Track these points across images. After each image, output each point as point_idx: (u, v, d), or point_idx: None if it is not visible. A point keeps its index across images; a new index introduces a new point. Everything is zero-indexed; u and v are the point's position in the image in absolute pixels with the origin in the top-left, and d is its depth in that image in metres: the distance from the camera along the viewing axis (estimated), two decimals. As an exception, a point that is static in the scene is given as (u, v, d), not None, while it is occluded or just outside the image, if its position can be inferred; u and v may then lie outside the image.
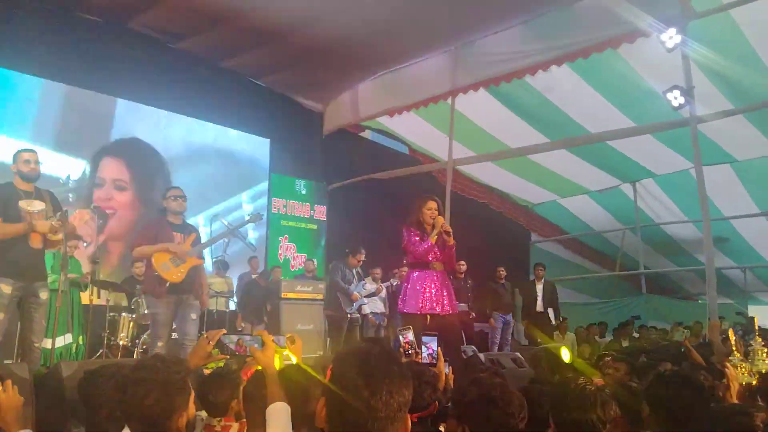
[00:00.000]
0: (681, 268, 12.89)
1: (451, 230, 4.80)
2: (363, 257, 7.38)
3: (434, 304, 4.67)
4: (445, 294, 4.73)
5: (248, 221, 5.27)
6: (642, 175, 11.27)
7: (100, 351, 6.78)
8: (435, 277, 4.76)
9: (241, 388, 2.49)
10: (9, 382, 2.21)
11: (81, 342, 6.45)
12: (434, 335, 3.01)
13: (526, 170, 11.34)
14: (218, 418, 2.61)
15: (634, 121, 8.92)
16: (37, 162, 4.20)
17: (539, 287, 8.83)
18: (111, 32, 8.91)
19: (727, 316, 9.48)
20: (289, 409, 2.01)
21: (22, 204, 4.03)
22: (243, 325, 8.48)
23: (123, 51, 8.92)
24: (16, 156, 4.18)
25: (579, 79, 8.45)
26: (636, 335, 10.24)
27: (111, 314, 7.12)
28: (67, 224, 4.12)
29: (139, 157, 9.49)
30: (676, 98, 6.99)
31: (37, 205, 4.07)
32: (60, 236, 4.08)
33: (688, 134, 7.11)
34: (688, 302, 13.08)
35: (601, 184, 11.88)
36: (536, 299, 8.73)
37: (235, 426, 2.50)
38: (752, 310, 13.01)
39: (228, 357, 2.39)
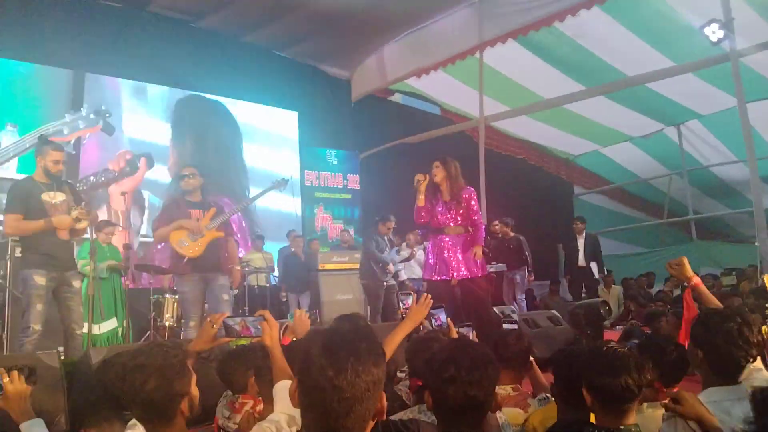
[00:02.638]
0: (733, 211, 12.33)
1: (421, 179, 4.62)
2: (393, 224, 7.31)
3: (449, 270, 4.58)
4: (459, 258, 4.60)
5: (272, 187, 5.18)
6: (686, 116, 10.78)
7: (148, 333, 6.97)
8: (448, 242, 4.65)
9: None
10: (15, 373, 2.25)
11: (128, 326, 6.63)
12: (440, 306, 2.93)
13: (563, 121, 10.99)
14: (237, 395, 2.64)
15: (673, 61, 8.46)
16: (63, 162, 4.26)
17: (580, 241, 8.57)
18: (132, 17, 8.96)
19: (784, 257, 9.02)
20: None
21: (45, 197, 4.11)
22: (285, 295, 8.57)
23: (144, 35, 8.97)
24: (44, 151, 4.20)
25: (611, 20, 8.06)
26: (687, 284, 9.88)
27: (155, 296, 7.29)
28: (92, 213, 4.19)
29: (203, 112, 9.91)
30: (714, 32, 6.58)
31: (59, 197, 4.14)
32: (84, 225, 4.15)
33: (731, 70, 6.70)
34: (743, 245, 12.53)
35: (643, 130, 11.44)
36: (578, 254, 8.49)
37: (250, 403, 2.51)
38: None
39: (233, 339, 2.38)
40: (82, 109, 8.58)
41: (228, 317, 2.31)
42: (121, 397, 1.88)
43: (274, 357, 2.10)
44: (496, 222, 8.41)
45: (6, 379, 2.23)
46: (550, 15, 8.00)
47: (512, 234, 8.55)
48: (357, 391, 1.21)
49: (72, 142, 8.36)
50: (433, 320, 2.88)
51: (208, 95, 10.10)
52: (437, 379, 1.72)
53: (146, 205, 8.93)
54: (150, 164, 9.15)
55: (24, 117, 8.16)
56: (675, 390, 2.56)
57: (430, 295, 2.71)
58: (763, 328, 2.72)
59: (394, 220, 7.27)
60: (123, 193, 5.33)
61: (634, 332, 4.84)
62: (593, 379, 1.93)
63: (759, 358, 2.23)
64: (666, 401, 2.01)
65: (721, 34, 6.56)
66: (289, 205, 9.79)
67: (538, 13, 8.11)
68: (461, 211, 4.67)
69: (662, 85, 9.16)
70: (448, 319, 2.90)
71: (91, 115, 8.56)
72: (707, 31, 6.69)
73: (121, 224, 6.44)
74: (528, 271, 8.29)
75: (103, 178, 8.62)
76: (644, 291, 9.52)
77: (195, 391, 1.92)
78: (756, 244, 6.73)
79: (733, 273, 8.72)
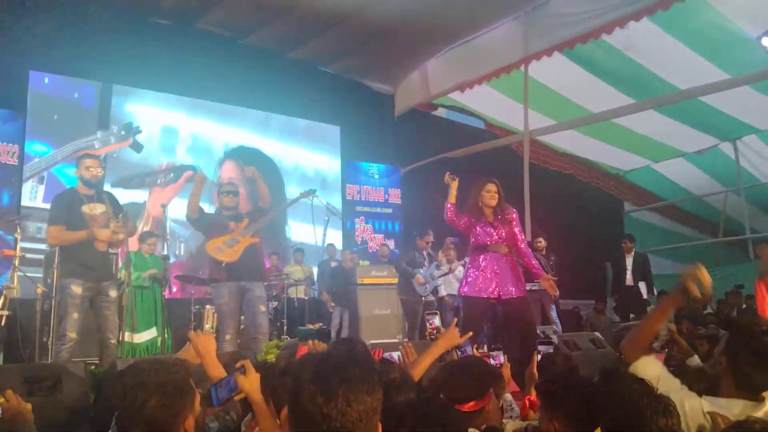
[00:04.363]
0: (795, 230, 11.73)
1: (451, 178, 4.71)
2: (431, 239, 7.24)
3: (492, 288, 4.44)
4: (506, 277, 4.46)
5: (300, 197, 5.28)
6: (743, 131, 10.30)
7: (187, 344, 7.03)
8: (492, 260, 4.53)
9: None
10: (9, 392, 2.19)
11: (167, 336, 6.72)
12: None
13: (613, 136, 10.67)
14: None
15: (728, 73, 8.12)
16: (98, 168, 4.39)
17: (629, 260, 8.28)
18: (181, 34, 9.21)
19: None
20: None
21: (85, 209, 4.23)
22: (333, 305, 8.53)
23: (193, 51, 9.20)
24: (79, 162, 4.38)
25: (662, 32, 7.78)
26: (744, 306, 9.40)
27: (196, 307, 7.38)
28: (128, 225, 4.29)
29: (251, 160, 9.88)
30: (772, 42, 6.27)
31: (99, 209, 4.26)
32: (121, 237, 4.24)
33: (791, 82, 6.39)
34: (806, 267, 11.89)
35: (697, 145, 10.99)
36: (626, 273, 8.19)
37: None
38: None
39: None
40: (113, 126, 8.99)
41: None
42: (122, 416, 1.84)
43: (256, 407, 2.02)
44: (540, 239, 8.20)
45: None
46: (598, 27, 7.78)
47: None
48: (347, 421, 1.15)
49: (103, 156, 8.66)
50: (459, 352, 2.79)
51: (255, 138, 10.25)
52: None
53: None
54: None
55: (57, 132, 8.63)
56: None
57: (455, 321, 2.66)
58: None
59: (432, 234, 7.19)
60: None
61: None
62: (615, 426, 1.78)
63: None
64: None
65: (779, 44, 6.26)
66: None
67: (585, 25, 7.90)
68: (504, 231, 4.58)
69: (717, 99, 8.78)
70: (474, 348, 2.82)
71: (122, 132, 8.91)
72: (765, 41, 6.41)
73: (165, 236, 6.58)
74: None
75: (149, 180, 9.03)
76: (699, 313, 9.09)
77: (198, 408, 1.88)
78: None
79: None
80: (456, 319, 2.83)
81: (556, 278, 4.67)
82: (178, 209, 9.10)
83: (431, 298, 7.27)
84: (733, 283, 9.86)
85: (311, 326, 8.10)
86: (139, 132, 9.16)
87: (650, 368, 2.07)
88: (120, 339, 4.56)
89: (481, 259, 4.57)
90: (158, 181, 9.24)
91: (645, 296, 8.21)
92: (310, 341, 2.86)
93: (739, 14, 7.12)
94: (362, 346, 2.73)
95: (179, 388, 1.76)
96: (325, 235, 9.00)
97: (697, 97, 8.46)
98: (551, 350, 3.28)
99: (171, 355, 2.19)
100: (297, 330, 7.82)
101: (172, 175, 9.23)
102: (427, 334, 2.94)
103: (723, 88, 7.97)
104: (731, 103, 8.98)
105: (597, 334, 5.05)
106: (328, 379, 1.17)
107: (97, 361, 4.46)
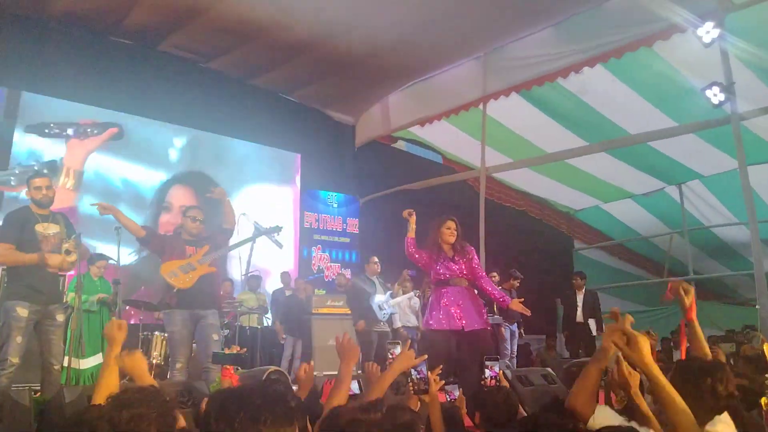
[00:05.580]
0: (734, 273, 12.21)
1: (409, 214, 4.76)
2: (376, 260, 7.34)
3: (454, 321, 4.52)
4: (467, 310, 4.55)
5: (265, 232, 5.16)
6: (688, 176, 10.78)
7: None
8: (453, 293, 4.62)
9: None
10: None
11: (113, 362, 6.48)
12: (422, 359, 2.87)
13: (565, 175, 11.00)
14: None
15: (674, 120, 8.52)
16: (48, 188, 4.27)
17: (579, 297, 8.47)
18: (143, 55, 9.11)
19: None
20: None
21: (38, 228, 4.11)
22: (285, 337, 8.40)
23: (155, 73, 9.10)
24: (28, 183, 4.26)
25: (614, 79, 8.14)
26: (688, 345, 9.69)
27: (144, 333, 7.16)
28: (81, 247, 4.17)
29: (203, 187, 9.61)
30: (715, 95, 6.62)
31: (52, 229, 4.14)
32: (73, 258, 4.13)
33: (732, 132, 6.73)
34: (744, 308, 12.38)
35: (645, 187, 11.43)
36: (576, 310, 8.38)
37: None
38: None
39: None
40: (34, 163, 8.45)
41: None
42: None
43: None
44: (494, 273, 8.33)
45: None
46: (554, 71, 8.10)
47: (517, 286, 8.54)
48: None
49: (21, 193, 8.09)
50: (415, 372, 2.80)
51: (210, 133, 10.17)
52: None
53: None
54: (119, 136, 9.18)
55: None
56: None
57: (408, 343, 2.72)
58: (763, 399, 2.64)
59: (375, 258, 7.30)
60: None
61: None
62: None
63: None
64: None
65: (722, 97, 6.59)
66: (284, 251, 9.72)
67: (541, 68, 8.21)
68: (464, 265, 4.68)
69: (664, 145, 9.19)
70: (430, 373, 2.83)
71: (45, 170, 8.44)
72: (709, 93, 6.73)
73: (115, 259, 6.36)
74: (519, 323, 8.19)
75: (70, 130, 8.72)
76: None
77: None
78: (757, 307, 6.63)
79: (733, 340, 8.58)
80: (410, 341, 2.90)
81: (522, 299, 4.76)
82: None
83: (386, 328, 7.25)
84: (677, 323, 10.16)
85: (227, 350, 7.85)
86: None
87: (609, 419, 2.13)
88: (64, 364, 4.39)
89: (443, 293, 4.64)
90: (79, 134, 8.84)
91: (594, 333, 8.38)
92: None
93: (686, 67, 7.51)
94: (283, 377, 2.78)
95: (173, 418, 1.72)
96: (249, 260, 8.86)
97: (646, 142, 8.82)
98: (496, 366, 3.29)
99: (147, 385, 2.10)
100: (212, 354, 7.56)
101: (96, 130, 8.93)
102: (388, 363, 2.96)
103: (670, 135, 8.34)
104: (678, 150, 9.40)
105: (549, 369, 5.13)
106: (228, 408, 1.23)
107: (39, 387, 4.28)
